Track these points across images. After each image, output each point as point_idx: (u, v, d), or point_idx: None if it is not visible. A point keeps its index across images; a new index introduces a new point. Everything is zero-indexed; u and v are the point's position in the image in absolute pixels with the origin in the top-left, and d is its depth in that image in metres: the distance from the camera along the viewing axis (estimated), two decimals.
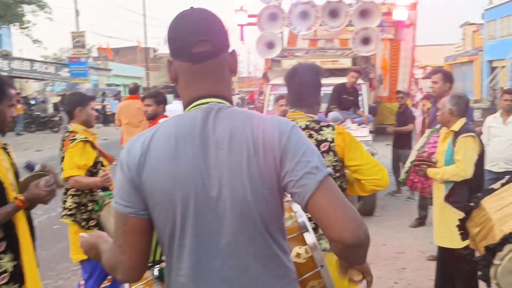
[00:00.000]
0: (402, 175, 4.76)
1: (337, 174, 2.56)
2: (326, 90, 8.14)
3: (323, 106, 8.25)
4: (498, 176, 5.93)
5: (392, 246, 5.94)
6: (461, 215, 3.96)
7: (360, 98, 7.96)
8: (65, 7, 38.85)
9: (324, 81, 8.09)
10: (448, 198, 4.03)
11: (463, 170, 3.89)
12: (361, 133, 7.17)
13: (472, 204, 2.67)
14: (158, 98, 5.06)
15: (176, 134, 1.43)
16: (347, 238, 1.33)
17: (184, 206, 1.41)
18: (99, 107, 27.44)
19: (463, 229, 2.80)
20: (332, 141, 2.54)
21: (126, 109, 8.40)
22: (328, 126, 2.60)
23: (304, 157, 1.41)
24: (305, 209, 1.41)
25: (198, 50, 1.45)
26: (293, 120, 2.59)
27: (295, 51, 10.12)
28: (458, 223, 3.95)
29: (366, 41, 8.76)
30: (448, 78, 5.50)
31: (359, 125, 7.49)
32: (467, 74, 38.55)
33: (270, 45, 9.07)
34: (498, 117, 6.03)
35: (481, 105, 26.76)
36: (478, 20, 38.95)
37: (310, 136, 2.54)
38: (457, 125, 4.05)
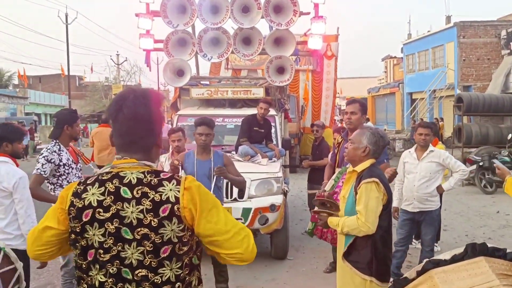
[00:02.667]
0: (309, 225, 4.15)
1: (185, 248, 1.82)
2: (237, 122, 7.56)
3: (230, 139, 7.64)
4: (413, 216, 5.52)
5: None
6: (363, 278, 3.40)
7: (272, 130, 7.41)
8: None
9: (235, 112, 7.56)
10: (347, 256, 3.42)
11: (364, 224, 3.26)
12: (272, 168, 6.60)
13: None
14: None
15: None
16: None
17: None
18: None
19: None
20: (177, 202, 1.79)
21: (99, 134, 10.01)
22: (171, 179, 1.84)
23: None
24: None
25: None
26: (119, 171, 1.86)
27: (207, 79, 9.46)
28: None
29: (280, 70, 8.31)
30: (365, 109, 4.97)
31: (270, 159, 6.91)
32: (389, 106, 39.81)
33: (180, 73, 8.40)
34: (413, 152, 5.64)
35: (402, 136, 27.41)
36: (398, 54, 40.54)
37: (145, 195, 1.79)
38: (362, 166, 3.43)
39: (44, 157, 4.12)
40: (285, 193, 6.69)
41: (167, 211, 1.78)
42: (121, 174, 1.85)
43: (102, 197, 1.82)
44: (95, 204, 1.81)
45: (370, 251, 3.33)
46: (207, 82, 9.40)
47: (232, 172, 5.02)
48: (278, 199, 6.25)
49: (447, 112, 28.56)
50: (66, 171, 4.16)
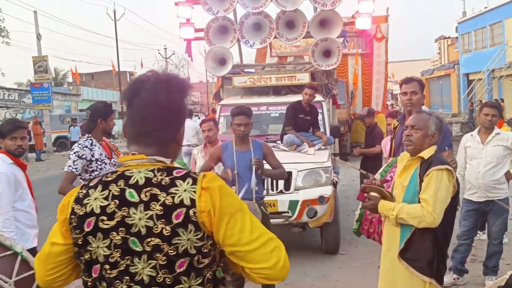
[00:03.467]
0: (354, 224, 3.72)
1: (205, 261, 1.49)
2: (281, 110, 7.20)
3: (275, 128, 7.28)
4: (478, 206, 5.00)
5: None
6: (422, 279, 2.97)
7: (320, 117, 6.99)
8: (28, 31, 37.70)
9: (280, 99, 7.18)
10: (404, 253, 2.99)
11: (430, 214, 2.82)
12: (320, 158, 6.19)
13: None
14: None
15: None
16: None
17: None
18: (67, 133, 26.28)
19: None
20: (192, 205, 1.47)
21: None
22: (185, 177, 1.51)
23: None
24: None
25: None
26: (125, 170, 1.54)
27: (250, 66, 9.11)
28: None
29: (327, 53, 7.85)
30: (423, 88, 4.41)
31: (317, 148, 6.50)
32: (445, 88, 38.17)
33: (222, 61, 8.11)
34: (476, 135, 5.08)
35: (460, 119, 26.17)
36: (452, 33, 38.85)
37: (154, 198, 1.47)
38: (428, 152, 3.02)
39: (75, 153, 3.92)
40: (335, 184, 6.28)
41: (181, 217, 1.46)
42: (127, 173, 1.54)
43: (105, 202, 1.51)
44: (97, 210, 1.51)
45: (431, 248, 2.90)
46: (253, 70, 9.07)
47: (272, 162, 4.66)
48: (327, 191, 5.84)
49: (508, 92, 27.00)
50: (99, 167, 3.94)
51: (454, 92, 35.59)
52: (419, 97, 3.97)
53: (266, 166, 4.68)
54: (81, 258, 1.56)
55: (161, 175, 1.51)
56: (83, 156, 3.91)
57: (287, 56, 15.85)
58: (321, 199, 5.75)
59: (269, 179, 5.59)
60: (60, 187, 3.87)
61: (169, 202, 1.46)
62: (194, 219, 1.46)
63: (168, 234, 1.45)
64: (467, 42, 33.77)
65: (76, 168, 3.88)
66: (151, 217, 1.47)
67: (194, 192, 1.48)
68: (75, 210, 1.54)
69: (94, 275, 1.53)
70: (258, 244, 1.50)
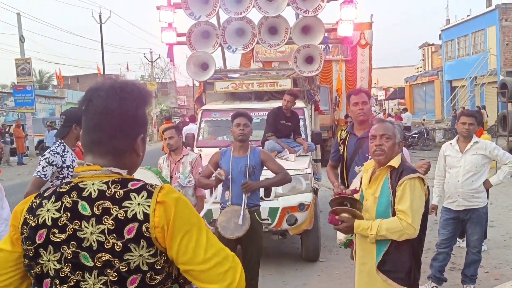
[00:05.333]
0: (345, 235, 3.64)
1: (158, 278, 1.43)
2: (263, 116, 7.16)
3: (257, 134, 7.24)
4: (457, 215, 5.00)
5: None
6: None
7: (301, 123, 6.96)
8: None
9: (262, 105, 7.10)
10: (382, 266, 2.96)
11: (410, 226, 2.79)
12: (300, 164, 6.16)
13: None
14: None
15: None
16: None
17: None
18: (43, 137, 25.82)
19: None
20: (145, 220, 1.40)
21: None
22: (140, 190, 1.45)
23: None
24: None
25: None
26: (79, 181, 1.48)
27: (233, 72, 9.06)
28: None
29: (309, 60, 7.85)
30: (370, 98, 4.53)
31: (298, 155, 6.46)
32: (428, 95, 38.53)
33: (204, 66, 8.06)
34: (455, 144, 5.08)
35: (443, 126, 26.41)
36: (436, 41, 39.26)
37: (106, 212, 1.41)
38: (396, 161, 2.99)
39: (45, 159, 3.83)
40: (315, 191, 6.25)
41: (133, 232, 1.40)
42: (81, 185, 1.48)
43: (57, 214, 1.46)
44: (49, 222, 1.46)
45: (409, 258, 2.88)
46: (236, 75, 9.04)
47: (272, 167, 4.60)
48: (307, 198, 5.81)
49: (490, 99, 27.31)
50: (70, 173, 3.85)
51: (437, 99, 35.94)
52: (369, 107, 4.17)
53: (267, 172, 4.63)
54: (31, 271, 1.50)
55: (115, 188, 1.45)
56: (54, 163, 3.82)
57: (272, 62, 15.87)
58: (301, 206, 5.72)
59: None
60: (26, 193, 3.74)
61: (122, 216, 1.41)
62: (147, 235, 1.40)
63: (120, 249, 1.40)
64: (451, 50, 34.15)
65: (45, 175, 3.78)
66: (102, 232, 1.41)
67: (148, 206, 1.42)
68: (28, 221, 1.49)
69: None
70: (212, 264, 1.44)
